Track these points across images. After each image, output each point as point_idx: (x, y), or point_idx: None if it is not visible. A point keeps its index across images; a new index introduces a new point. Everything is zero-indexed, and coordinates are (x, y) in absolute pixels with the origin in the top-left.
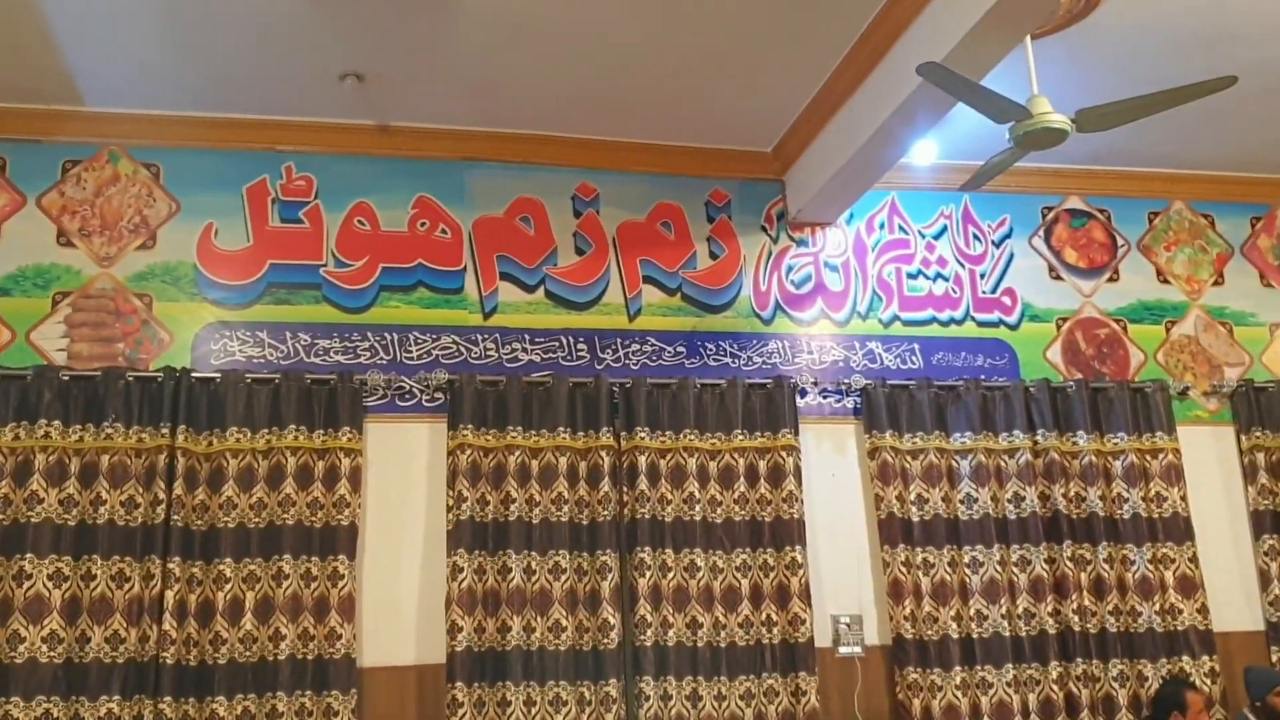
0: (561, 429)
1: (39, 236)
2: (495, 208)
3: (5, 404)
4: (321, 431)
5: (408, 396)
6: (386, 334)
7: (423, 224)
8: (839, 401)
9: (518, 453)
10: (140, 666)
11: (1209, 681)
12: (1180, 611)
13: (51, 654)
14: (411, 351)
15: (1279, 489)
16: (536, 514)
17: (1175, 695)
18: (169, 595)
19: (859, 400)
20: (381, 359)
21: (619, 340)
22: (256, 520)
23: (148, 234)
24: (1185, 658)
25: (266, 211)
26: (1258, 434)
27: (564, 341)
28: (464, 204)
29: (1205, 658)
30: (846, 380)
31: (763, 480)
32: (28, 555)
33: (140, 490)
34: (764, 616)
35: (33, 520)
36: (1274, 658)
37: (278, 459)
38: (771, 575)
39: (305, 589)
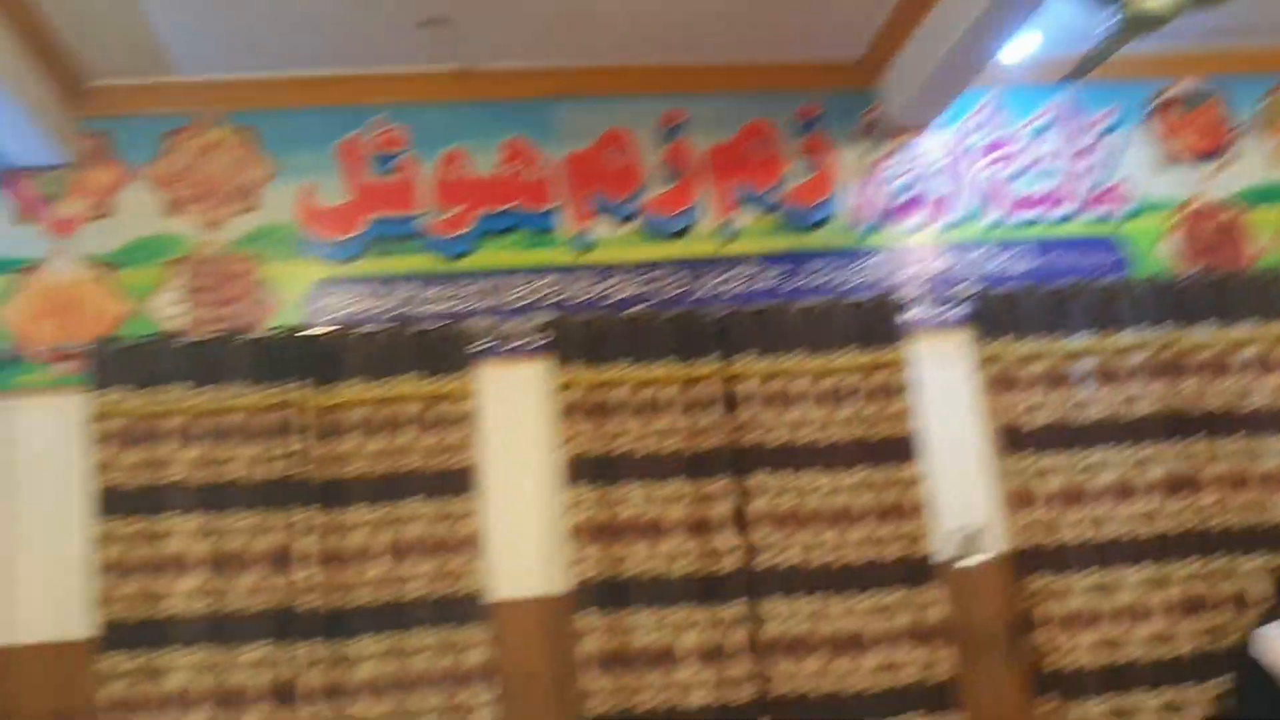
0: (666, 360)
1: (147, 208)
2: (584, 142)
3: (134, 372)
4: (434, 378)
5: (513, 339)
6: (488, 279)
7: (514, 166)
8: (947, 311)
9: (624, 386)
10: (282, 614)
11: None
12: None
13: (198, 607)
14: (514, 294)
15: None
16: (647, 445)
17: None
18: (303, 545)
19: (968, 309)
20: (485, 304)
21: (715, 266)
22: (380, 468)
23: (250, 197)
24: None
25: (361, 166)
26: None
27: (662, 272)
28: (553, 141)
29: None
30: (954, 289)
31: (872, 397)
32: (169, 514)
33: (269, 446)
34: (882, 533)
35: (171, 480)
36: None
37: (394, 408)
38: (888, 492)
39: (431, 531)
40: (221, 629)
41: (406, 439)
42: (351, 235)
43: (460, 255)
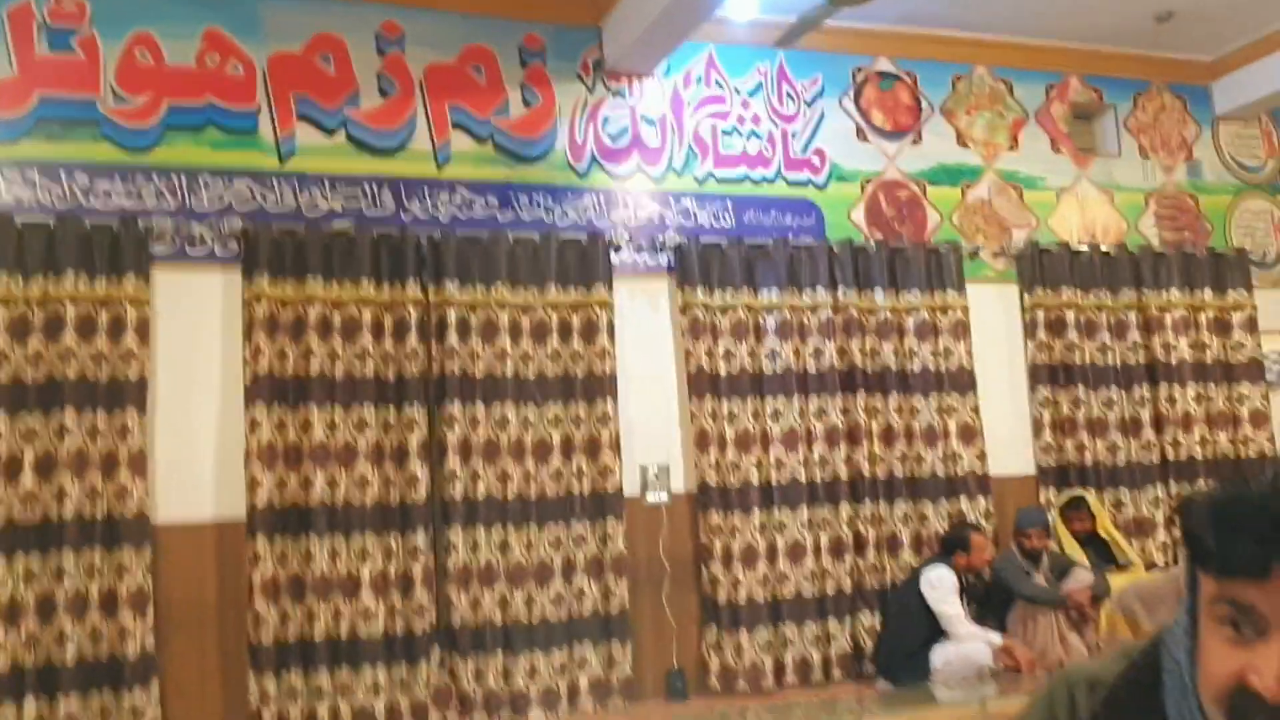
0: (365, 281)
1: None
2: (292, 43)
3: None
4: (104, 279)
5: (199, 244)
6: (174, 176)
7: (212, 58)
8: (653, 258)
9: (318, 305)
10: None
11: (984, 520)
12: (961, 457)
13: None
14: (202, 196)
15: (1055, 344)
16: (339, 368)
17: (961, 536)
18: None
19: (672, 257)
20: (169, 204)
21: (427, 189)
22: (34, 373)
23: None
24: (963, 499)
25: (32, 37)
26: (1039, 292)
27: (367, 189)
28: (258, 38)
29: (981, 499)
30: (661, 236)
31: (576, 335)
32: None
33: None
34: (574, 468)
35: None
36: (1042, 498)
37: (55, 309)
38: (582, 428)
39: (91, 445)
40: None
41: (67, 344)
42: (15, 114)
43: (142, 148)
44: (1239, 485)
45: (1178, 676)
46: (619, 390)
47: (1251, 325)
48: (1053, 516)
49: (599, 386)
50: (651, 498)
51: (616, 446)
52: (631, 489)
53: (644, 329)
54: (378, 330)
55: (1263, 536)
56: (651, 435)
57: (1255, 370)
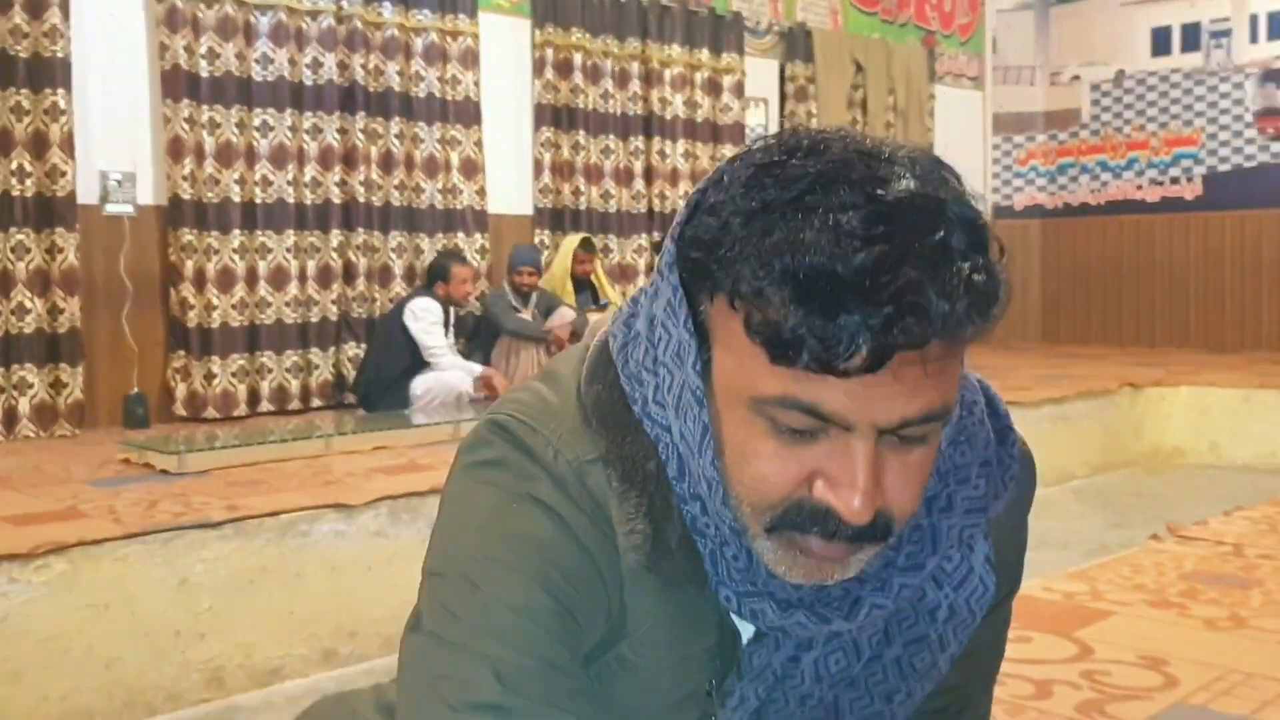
0: None
1: None
2: None
3: None
4: None
5: None
6: None
7: None
8: None
9: None
10: None
11: (479, 257)
12: (461, 191)
13: None
14: None
15: (561, 85)
16: None
17: (442, 266)
18: None
19: None
20: None
21: None
22: None
23: None
24: (460, 234)
25: None
26: (550, 30)
27: None
28: None
29: (478, 235)
30: None
31: (17, 6)
32: None
33: None
34: (15, 166)
35: None
36: (537, 238)
37: None
38: (27, 120)
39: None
40: None
41: None
42: None
43: None
44: (815, 239)
45: (686, 463)
46: (74, 81)
47: (739, 90)
48: (564, 252)
49: (48, 72)
50: (112, 208)
51: (70, 146)
52: (88, 197)
53: (110, 13)
54: None
55: (881, 313)
56: (115, 138)
57: (738, 133)
